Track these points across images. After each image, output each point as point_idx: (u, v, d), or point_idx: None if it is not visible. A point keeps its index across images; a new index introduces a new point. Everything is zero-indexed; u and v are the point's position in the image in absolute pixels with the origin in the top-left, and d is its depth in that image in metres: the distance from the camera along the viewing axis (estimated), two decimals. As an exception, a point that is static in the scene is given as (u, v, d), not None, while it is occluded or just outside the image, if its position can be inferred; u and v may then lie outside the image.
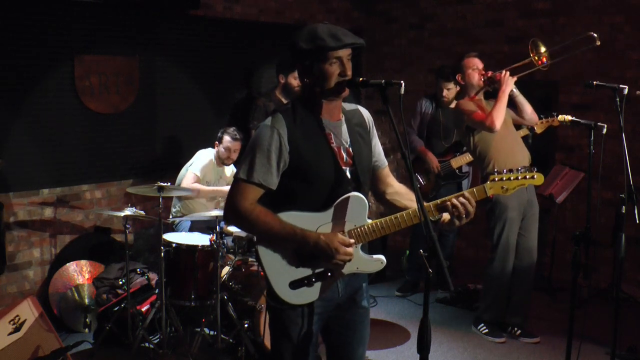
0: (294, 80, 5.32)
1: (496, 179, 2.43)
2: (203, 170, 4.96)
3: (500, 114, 4.31)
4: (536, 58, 4.30)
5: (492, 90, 4.54)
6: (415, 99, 5.69)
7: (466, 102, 4.53)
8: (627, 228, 3.35)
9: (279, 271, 2.37)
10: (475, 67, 4.51)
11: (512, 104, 4.52)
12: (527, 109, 4.48)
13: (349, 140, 2.45)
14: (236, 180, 2.37)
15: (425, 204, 2.32)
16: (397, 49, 7.18)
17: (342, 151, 2.42)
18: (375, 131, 2.60)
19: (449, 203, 2.35)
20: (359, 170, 2.44)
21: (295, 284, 2.36)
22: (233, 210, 2.36)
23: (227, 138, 4.94)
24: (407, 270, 5.80)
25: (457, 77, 4.60)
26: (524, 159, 4.49)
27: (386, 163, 2.65)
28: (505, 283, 4.59)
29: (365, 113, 2.57)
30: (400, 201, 2.57)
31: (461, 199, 2.34)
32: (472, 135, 4.51)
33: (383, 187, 2.62)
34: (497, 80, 4.40)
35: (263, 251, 2.38)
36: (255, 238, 2.44)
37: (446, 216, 2.39)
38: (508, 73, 4.35)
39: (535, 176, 2.46)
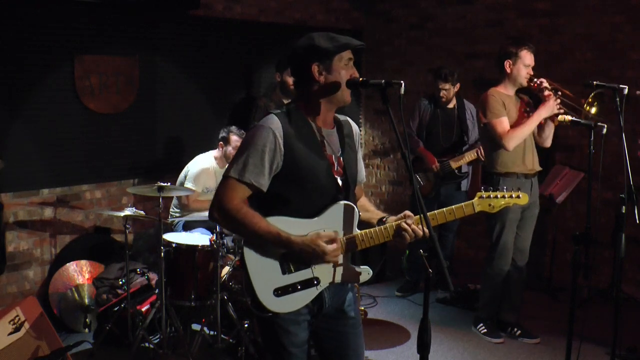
0: (289, 78, 5.31)
1: (484, 196, 2.56)
2: (199, 181, 4.93)
3: (520, 137, 4.20)
4: (587, 108, 4.06)
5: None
6: (415, 99, 5.69)
7: (497, 97, 4.33)
8: (627, 228, 3.35)
9: (263, 277, 2.34)
10: (529, 65, 4.31)
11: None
12: (547, 132, 4.36)
13: (340, 149, 2.46)
14: (226, 178, 2.33)
15: (386, 225, 2.42)
16: (397, 49, 7.18)
17: (333, 160, 2.42)
18: (359, 145, 2.62)
19: (403, 225, 2.38)
20: (350, 179, 2.45)
21: (279, 291, 2.34)
22: (220, 207, 2.33)
23: (235, 137, 4.91)
24: (407, 270, 5.80)
25: (504, 63, 4.35)
26: (534, 163, 4.46)
27: (364, 180, 2.68)
28: (502, 282, 4.60)
29: (354, 125, 2.59)
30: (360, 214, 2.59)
31: (409, 221, 2.38)
32: (487, 130, 4.40)
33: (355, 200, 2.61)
34: (543, 95, 4.22)
35: (249, 255, 2.35)
36: (242, 241, 2.42)
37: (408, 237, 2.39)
38: (558, 101, 4.15)
39: (520, 196, 2.61)
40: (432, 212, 2.45)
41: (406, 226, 2.37)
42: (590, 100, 4.01)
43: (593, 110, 4.05)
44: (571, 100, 4.18)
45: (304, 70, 2.36)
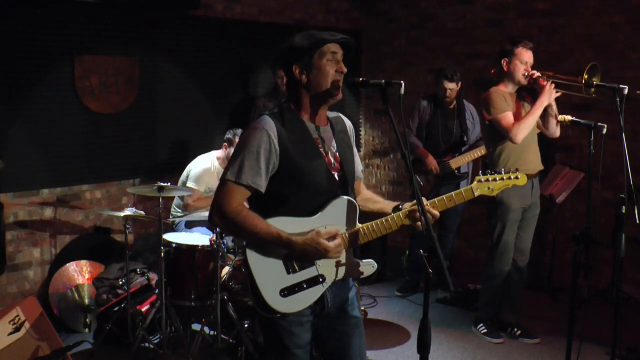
0: (278, 79, 5.38)
1: (482, 179, 2.52)
2: (200, 181, 4.94)
3: (527, 128, 4.15)
4: (585, 84, 3.94)
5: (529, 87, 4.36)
6: (415, 99, 5.69)
7: (499, 94, 4.31)
8: (627, 228, 3.35)
9: (269, 278, 2.34)
10: (525, 62, 4.28)
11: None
12: (553, 122, 4.32)
13: (335, 145, 2.46)
14: (223, 182, 2.34)
15: (397, 213, 2.41)
16: (397, 49, 7.18)
17: (329, 156, 2.42)
18: (354, 140, 2.62)
19: (416, 213, 2.37)
20: (347, 175, 2.45)
21: (286, 291, 2.34)
22: (219, 211, 2.33)
23: None
24: (407, 270, 5.80)
25: (501, 62, 4.35)
26: (536, 163, 4.45)
27: (362, 175, 2.67)
28: (503, 282, 4.60)
29: (346, 121, 2.59)
30: (367, 206, 2.59)
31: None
32: (491, 129, 4.37)
33: (355, 195, 2.60)
34: (540, 85, 4.21)
35: (253, 257, 2.34)
36: (244, 243, 2.41)
37: (419, 224, 2.39)
38: (553, 85, 4.12)
39: (519, 176, 2.55)
40: (432, 199, 2.44)
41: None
42: (586, 76, 3.93)
43: (594, 80, 3.93)
44: (568, 81, 4.12)
45: (288, 72, 2.39)
